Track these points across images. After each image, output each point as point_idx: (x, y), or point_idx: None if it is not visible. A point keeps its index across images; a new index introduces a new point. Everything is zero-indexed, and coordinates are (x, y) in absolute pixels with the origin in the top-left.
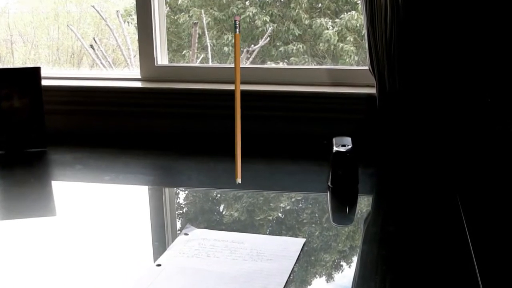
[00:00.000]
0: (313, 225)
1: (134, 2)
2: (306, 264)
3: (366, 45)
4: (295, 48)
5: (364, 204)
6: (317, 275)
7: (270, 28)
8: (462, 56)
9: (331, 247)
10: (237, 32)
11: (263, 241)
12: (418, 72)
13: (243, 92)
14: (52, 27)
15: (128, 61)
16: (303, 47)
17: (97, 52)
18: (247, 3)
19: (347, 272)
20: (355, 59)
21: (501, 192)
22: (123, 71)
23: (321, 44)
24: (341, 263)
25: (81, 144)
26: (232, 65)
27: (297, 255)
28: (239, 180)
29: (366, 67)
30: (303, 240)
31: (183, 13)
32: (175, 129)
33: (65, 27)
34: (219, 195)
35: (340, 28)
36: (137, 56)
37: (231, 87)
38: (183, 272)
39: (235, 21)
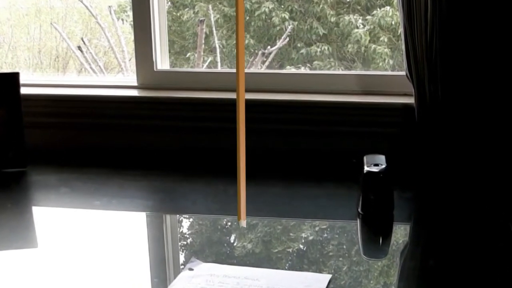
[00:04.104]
0: (341, 259)
1: None
2: None
3: (403, 47)
4: (319, 50)
5: (401, 234)
6: None
7: (289, 27)
8: None
9: (361, 285)
10: None
11: (281, 278)
12: (464, 79)
13: (258, 102)
14: (33, 25)
15: (123, 65)
16: (328, 48)
17: (86, 55)
18: None
19: None
20: (389, 63)
21: None
22: (117, 77)
23: (349, 46)
24: None
25: (67, 163)
26: (246, 71)
27: None
28: (243, 223)
29: (403, 73)
30: (328, 277)
31: (187, 9)
32: (178, 146)
33: (48, 25)
34: (229, 224)
35: (372, 27)
36: (133, 59)
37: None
38: None
39: None
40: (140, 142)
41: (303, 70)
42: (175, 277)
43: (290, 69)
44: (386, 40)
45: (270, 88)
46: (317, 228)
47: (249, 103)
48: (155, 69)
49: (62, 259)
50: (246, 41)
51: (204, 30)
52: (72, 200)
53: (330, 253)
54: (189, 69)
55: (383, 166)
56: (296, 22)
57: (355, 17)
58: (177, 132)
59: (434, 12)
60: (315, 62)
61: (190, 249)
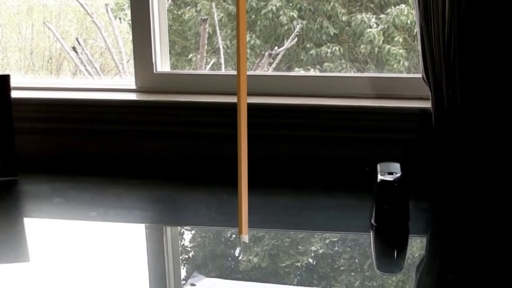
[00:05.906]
0: (353, 274)
1: None
2: None
3: (419, 48)
4: (329, 51)
5: (417, 246)
6: None
7: (298, 26)
8: None
9: None
10: None
11: None
12: (484, 82)
13: (264, 107)
14: (24, 24)
15: (120, 67)
16: (339, 49)
17: (81, 56)
18: None
19: None
20: (405, 64)
21: None
22: (114, 80)
23: (362, 46)
24: None
25: (61, 171)
26: (251, 73)
27: None
28: (245, 238)
29: (419, 75)
30: None
31: (189, 7)
32: (179, 153)
33: (40, 24)
34: (234, 236)
35: (386, 26)
36: (131, 61)
37: (249, 100)
38: None
39: None
40: (139, 149)
41: (312, 72)
42: None
43: (298, 71)
44: (401, 40)
45: (277, 91)
46: (327, 241)
47: (255, 108)
48: (154, 71)
49: (55, 273)
50: (252, 42)
51: (207, 30)
52: (66, 211)
53: (342, 268)
54: (191, 71)
55: (398, 175)
56: (305, 21)
57: (368, 15)
58: (178, 138)
59: (452, 10)
60: (326, 64)
61: (192, 263)
